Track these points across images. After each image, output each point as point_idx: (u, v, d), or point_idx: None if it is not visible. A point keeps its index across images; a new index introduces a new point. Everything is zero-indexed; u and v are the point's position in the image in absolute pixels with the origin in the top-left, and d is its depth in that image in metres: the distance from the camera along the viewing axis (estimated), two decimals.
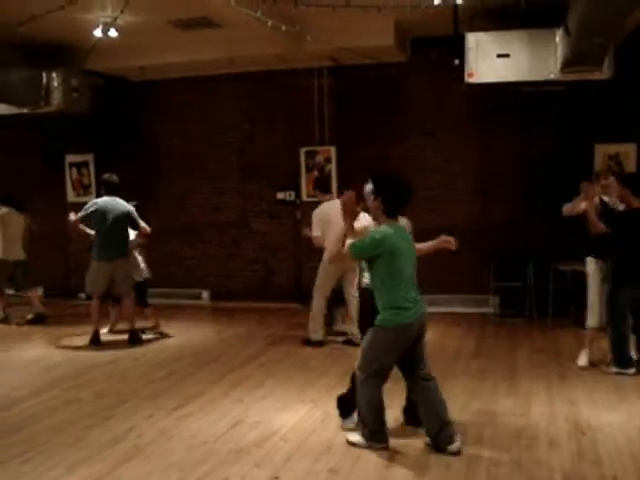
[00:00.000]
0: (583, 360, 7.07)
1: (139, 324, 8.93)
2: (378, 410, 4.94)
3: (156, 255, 11.43)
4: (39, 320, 9.93)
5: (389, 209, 4.85)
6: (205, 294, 11.50)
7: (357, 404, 5.05)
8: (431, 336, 8.66)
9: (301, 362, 7.55)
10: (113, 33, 8.13)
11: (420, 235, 10.04)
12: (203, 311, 11.00)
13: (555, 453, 4.81)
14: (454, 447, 4.80)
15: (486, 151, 10.06)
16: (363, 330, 5.29)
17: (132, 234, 8.81)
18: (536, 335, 8.50)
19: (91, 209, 8.48)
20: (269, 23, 7.87)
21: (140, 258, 9.10)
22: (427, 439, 4.94)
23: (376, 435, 4.94)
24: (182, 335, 9.16)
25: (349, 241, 4.85)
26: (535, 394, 6.18)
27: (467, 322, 9.48)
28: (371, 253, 4.78)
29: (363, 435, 4.98)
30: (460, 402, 5.98)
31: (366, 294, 5.27)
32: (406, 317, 4.76)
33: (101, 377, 7.13)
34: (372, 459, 4.77)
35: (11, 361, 7.94)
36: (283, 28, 8.06)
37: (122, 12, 7.44)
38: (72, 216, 8.57)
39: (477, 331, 8.96)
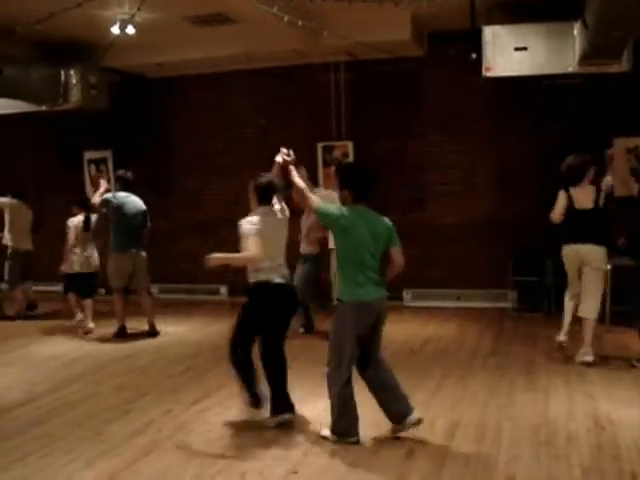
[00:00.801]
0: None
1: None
2: (353, 409, 5.02)
3: (173, 251, 11.50)
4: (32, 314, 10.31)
5: (356, 196, 5.00)
6: (223, 289, 11.52)
7: (331, 401, 5.07)
8: (449, 331, 8.73)
9: (317, 357, 7.50)
10: (130, 30, 8.16)
11: (437, 230, 10.14)
12: (222, 306, 11.01)
13: (574, 448, 4.78)
14: (412, 419, 4.98)
15: (504, 145, 10.00)
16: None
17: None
18: (554, 330, 8.40)
19: (112, 203, 8.64)
20: (285, 18, 7.87)
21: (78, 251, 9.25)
22: (392, 426, 5.07)
23: (349, 431, 5.00)
24: (201, 330, 9.20)
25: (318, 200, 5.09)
26: (554, 389, 6.15)
27: (485, 317, 9.45)
28: (327, 221, 5.03)
29: (333, 431, 5.02)
30: (479, 398, 5.97)
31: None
32: (364, 294, 4.89)
33: (120, 372, 7.18)
34: (390, 455, 4.77)
35: (31, 356, 8.02)
36: (300, 23, 8.04)
37: (139, 9, 7.45)
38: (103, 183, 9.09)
39: (495, 326, 8.92)
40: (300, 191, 5.13)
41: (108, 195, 8.81)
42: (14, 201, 10.22)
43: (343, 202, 5.08)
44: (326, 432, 5.08)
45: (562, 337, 7.31)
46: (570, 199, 6.99)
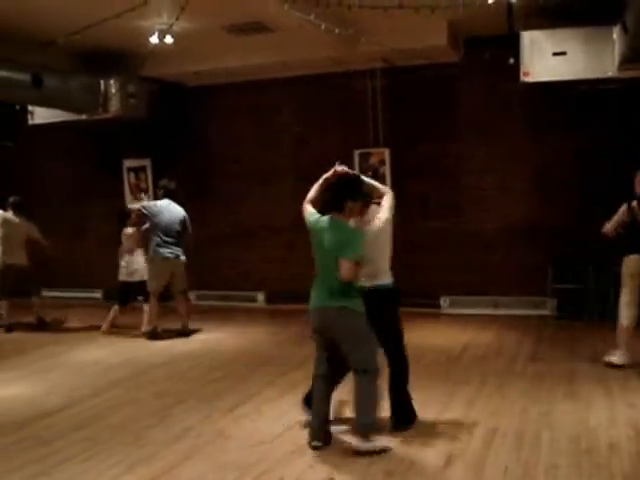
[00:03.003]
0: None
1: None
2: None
3: (211, 258, 11.57)
4: (42, 325, 10.23)
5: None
6: (261, 296, 11.56)
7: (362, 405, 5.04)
8: (487, 338, 8.66)
9: None
10: (169, 39, 8.24)
11: (475, 236, 10.07)
12: (259, 313, 11.07)
13: (615, 456, 4.73)
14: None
15: (542, 151, 9.90)
16: None
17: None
18: (596, 338, 8.30)
19: (154, 210, 9.05)
20: (322, 26, 7.90)
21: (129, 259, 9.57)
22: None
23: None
24: (238, 337, 9.24)
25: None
26: (594, 397, 6.07)
27: (524, 324, 9.35)
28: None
29: (371, 427, 5.00)
30: (518, 406, 5.92)
31: None
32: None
33: (159, 377, 7.26)
34: (427, 462, 4.76)
35: (70, 362, 8.13)
36: (336, 31, 8.08)
37: (177, 19, 7.53)
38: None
39: (534, 333, 8.82)
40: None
41: (147, 204, 9.30)
42: (8, 213, 9.99)
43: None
44: (365, 444, 4.95)
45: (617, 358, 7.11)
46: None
